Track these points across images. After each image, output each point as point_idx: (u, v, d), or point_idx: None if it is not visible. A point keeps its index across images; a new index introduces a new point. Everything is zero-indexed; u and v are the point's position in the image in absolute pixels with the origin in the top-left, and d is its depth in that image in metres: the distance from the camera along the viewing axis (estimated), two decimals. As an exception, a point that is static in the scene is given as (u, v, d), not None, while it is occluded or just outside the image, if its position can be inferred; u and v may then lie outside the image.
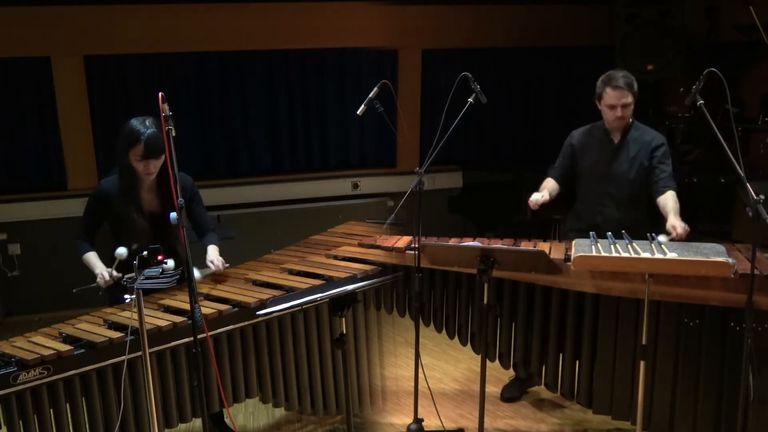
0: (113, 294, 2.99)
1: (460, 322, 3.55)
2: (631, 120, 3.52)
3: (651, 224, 3.39)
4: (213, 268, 3.23)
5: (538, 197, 3.45)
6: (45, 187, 5.43)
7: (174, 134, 2.47)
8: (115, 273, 2.95)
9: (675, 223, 3.17)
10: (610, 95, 3.41)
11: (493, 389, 4.00)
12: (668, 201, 3.36)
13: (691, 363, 2.93)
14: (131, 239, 3.00)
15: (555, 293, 3.21)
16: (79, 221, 3.18)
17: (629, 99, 3.40)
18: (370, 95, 3.45)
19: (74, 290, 2.91)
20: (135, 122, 2.98)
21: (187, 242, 2.50)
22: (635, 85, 3.42)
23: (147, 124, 2.97)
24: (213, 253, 3.27)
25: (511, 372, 3.67)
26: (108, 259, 3.05)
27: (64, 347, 2.54)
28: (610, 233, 3.17)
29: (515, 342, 3.39)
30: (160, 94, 2.45)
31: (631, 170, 3.51)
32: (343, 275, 3.21)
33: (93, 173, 5.40)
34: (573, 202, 3.76)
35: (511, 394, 3.88)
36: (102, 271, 2.98)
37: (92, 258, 3.08)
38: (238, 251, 4.00)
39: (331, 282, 3.08)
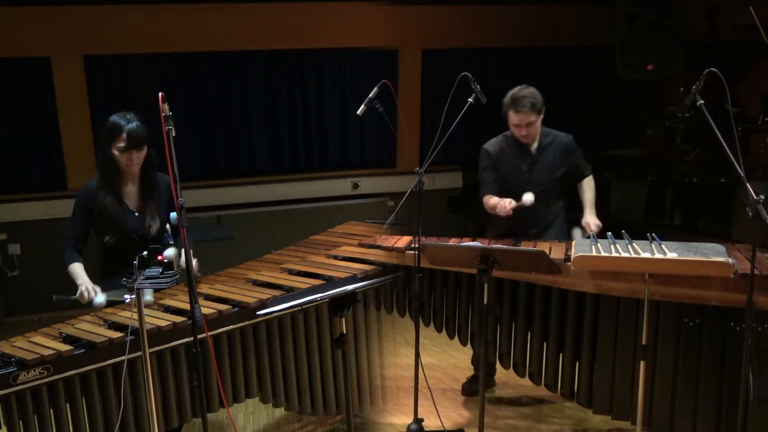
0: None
1: (460, 322, 3.55)
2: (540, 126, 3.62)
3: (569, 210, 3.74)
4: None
5: (509, 202, 3.47)
6: (45, 187, 5.43)
7: (174, 134, 2.47)
8: (98, 297, 2.89)
9: (589, 220, 3.47)
10: (513, 117, 3.51)
11: (494, 389, 4.00)
12: (586, 191, 3.65)
13: (691, 363, 2.93)
14: (116, 235, 3.02)
15: (555, 293, 3.21)
16: (67, 227, 3.09)
17: (533, 118, 3.50)
18: (370, 95, 3.45)
19: (54, 297, 2.90)
20: (116, 117, 3.01)
21: (187, 242, 2.50)
22: (539, 104, 3.49)
23: (128, 117, 3.00)
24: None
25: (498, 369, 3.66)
26: (93, 270, 3.04)
27: (64, 347, 2.54)
28: (610, 233, 3.17)
29: (515, 342, 3.39)
30: (160, 94, 2.45)
31: (550, 175, 3.64)
32: (343, 275, 3.21)
33: (93, 173, 5.38)
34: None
35: (474, 387, 3.89)
36: (86, 286, 2.91)
37: (77, 269, 3.00)
38: (238, 251, 4.00)
39: (331, 282, 3.08)
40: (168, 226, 3.30)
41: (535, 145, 3.64)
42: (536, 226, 3.66)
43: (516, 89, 3.51)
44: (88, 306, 2.94)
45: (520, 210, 3.50)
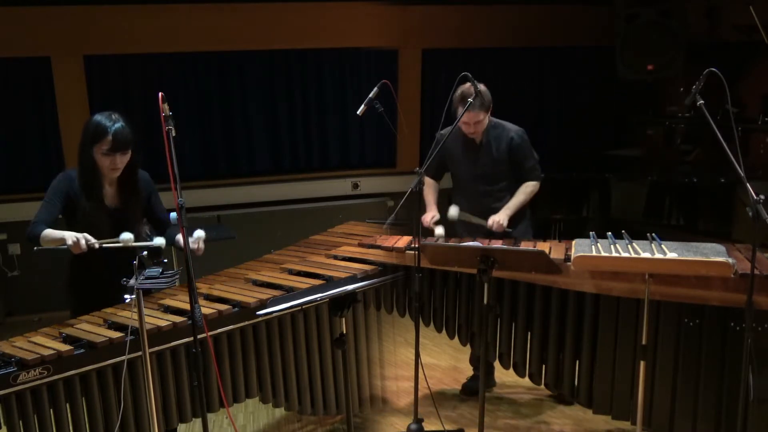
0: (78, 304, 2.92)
1: (460, 322, 3.55)
2: (488, 121, 3.67)
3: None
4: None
5: (431, 218, 3.71)
6: (45, 187, 5.38)
7: (174, 134, 2.46)
8: (92, 239, 2.70)
9: (495, 217, 3.60)
10: (462, 116, 3.51)
11: (494, 389, 4.00)
12: (518, 193, 3.72)
13: (691, 363, 2.93)
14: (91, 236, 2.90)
15: (555, 293, 3.21)
16: (39, 210, 2.89)
17: (481, 117, 3.56)
18: (370, 95, 3.46)
19: (35, 249, 2.78)
20: (100, 117, 2.86)
21: (187, 242, 2.50)
22: (488, 103, 3.58)
23: (113, 118, 2.85)
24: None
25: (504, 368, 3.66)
26: (59, 278, 2.94)
27: (64, 347, 2.54)
28: (610, 233, 3.17)
29: (515, 342, 3.39)
30: (160, 94, 2.45)
31: (494, 167, 3.71)
32: (343, 275, 3.21)
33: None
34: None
35: (474, 387, 3.89)
36: (74, 235, 2.69)
37: (53, 231, 2.78)
38: (238, 251, 4.00)
39: (331, 282, 3.08)
40: (148, 225, 3.25)
41: (481, 136, 3.69)
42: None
43: (466, 86, 3.48)
44: (85, 256, 2.74)
45: (474, 201, 3.72)
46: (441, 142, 3.59)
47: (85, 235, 2.73)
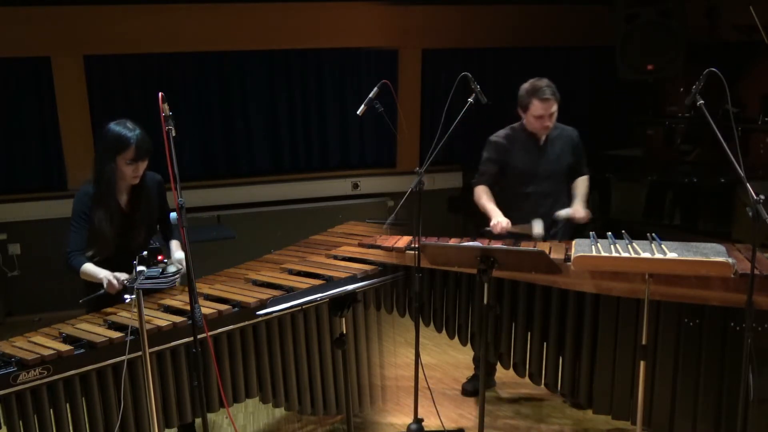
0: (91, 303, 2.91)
1: (460, 322, 3.55)
2: None
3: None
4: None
5: (506, 222, 3.51)
6: (45, 187, 5.43)
7: (174, 134, 2.47)
8: (123, 276, 2.80)
9: (578, 207, 3.59)
10: (537, 107, 3.49)
11: (494, 389, 4.00)
12: (579, 185, 3.72)
13: (691, 363, 2.93)
14: (93, 245, 2.96)
15: (555, 293, 3.21)
16: (69, 237, 2.96)
17: (555, 107, 3.52)
18: (370, 95, 3.45)
19: (80, 300, 2.86)
20: (118, 127, 2.90)
21: (187, 242, 2.50)
22: (557, 93, 3.53)
23: (130, 127, 2.90)
24: (180, 252, 3.15)
25: (502, 368, 3.66)
26: (74, 284, 2.96)
27: (64, 347, 2.54)
28: (610, 233, 3.17)
29: (515, 342, 3.39)
30: (160, 94, 2.45)
31: (558, 167, 3.67)
32: (343, 275, 3.21)
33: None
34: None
35: (474, 387, 3.89)
36: (111, 276, 2.81)
37: (92, 267, 2.90)
38: (238, 251, 4.01)
39: (331, 282, 3.08)
40: (158, 227, 3.28)
41: (543, 137, 3.64)
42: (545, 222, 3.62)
43: (532, 80, 3.50)
44: (121, 294, 2.77)
45: (531, 206, 3.59)
46: (502, 147, 3.63)
47: (116, 274, 2.82)
